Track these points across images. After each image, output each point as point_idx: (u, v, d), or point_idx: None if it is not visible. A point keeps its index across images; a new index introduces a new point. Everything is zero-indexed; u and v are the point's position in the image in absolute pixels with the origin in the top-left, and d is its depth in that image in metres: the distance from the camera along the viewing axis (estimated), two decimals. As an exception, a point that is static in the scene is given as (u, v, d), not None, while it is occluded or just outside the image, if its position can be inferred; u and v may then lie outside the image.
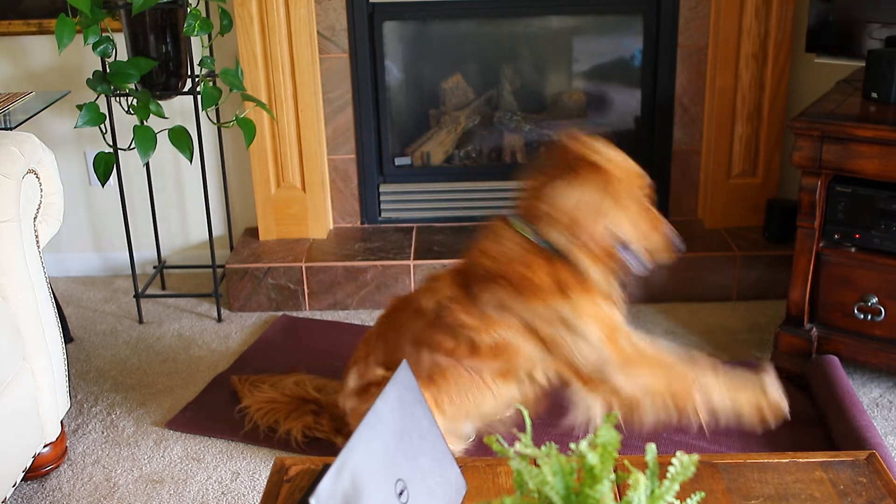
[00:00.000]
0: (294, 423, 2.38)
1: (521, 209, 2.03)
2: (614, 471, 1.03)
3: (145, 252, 3.44)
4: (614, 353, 1.97)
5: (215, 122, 3.00)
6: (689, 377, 1.99)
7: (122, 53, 2.88)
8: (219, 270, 3.17)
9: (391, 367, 2.08)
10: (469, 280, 2.03)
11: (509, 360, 2.01)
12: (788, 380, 2.61)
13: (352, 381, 2.17)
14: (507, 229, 2.01)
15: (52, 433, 2.25)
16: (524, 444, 1.05)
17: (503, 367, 2.02)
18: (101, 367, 2.84)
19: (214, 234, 3.24)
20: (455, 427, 2.11)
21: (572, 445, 1.05)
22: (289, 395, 2.46)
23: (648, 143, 3.35)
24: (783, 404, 1.99)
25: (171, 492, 2.24)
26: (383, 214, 3.44)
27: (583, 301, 1.96)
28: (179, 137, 2.81)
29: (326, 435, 2.34)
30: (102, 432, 2.50)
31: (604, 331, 1.97)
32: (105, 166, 2.86)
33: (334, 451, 2.21)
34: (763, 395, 1.98)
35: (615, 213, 1.94)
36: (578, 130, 2.03)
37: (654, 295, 3.13)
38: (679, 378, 1.99)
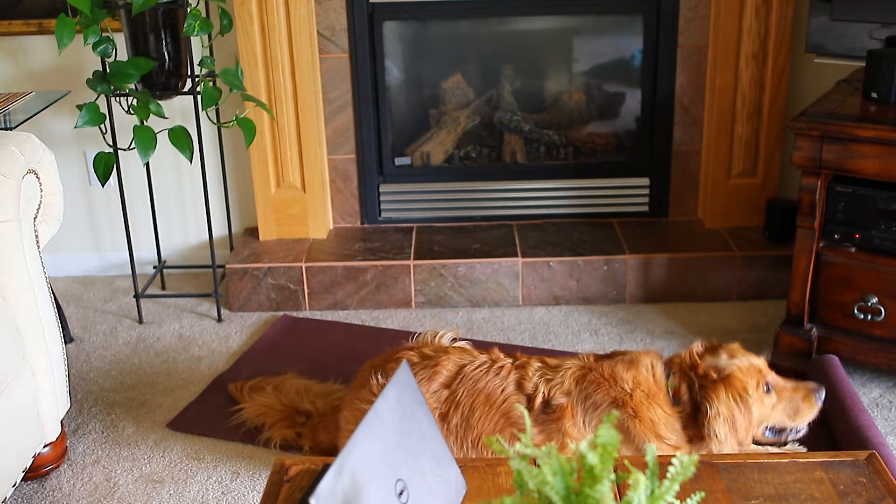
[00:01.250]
0: (276, 433, 2.38)
1: (676, 365, 2.11)
2: (614, 471, 1.03)
3: (145, 252, 3.44)
4: None
5: (215, 122, 3.00)
6: None
7: (122, 53, 2.88)
8: (219, 270, 3.17)
9: (473, 440, 2.10)
10: (596, 384, 2.06)
11: None
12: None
13: None
14: (654, 365, 2.08)
15: (52, 433, 2.24)
16: (524, 444, 1.05)
17: None
18: (101, 367, 2.84)
19: (214, 234, 3.24)
20: None
21: (572, 445, 1.05)
22: (285, 403, 2.44)
23: (648, 143, 3.35)
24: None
25: (171, 492, 2.24)
26: (383, 214, 3.44)
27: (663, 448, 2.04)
28: (179, 137, 2.81)
29: (303, 453, 2.33)
30: (102, 432, 2.50)
31: None
32: (105, 166, 2.86)
33: (334, 450, 2.21)
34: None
35: (753, 414, 2.04)
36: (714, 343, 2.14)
37: (654, 295, 3.13)
38: None
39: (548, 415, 2.04)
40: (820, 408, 2.11)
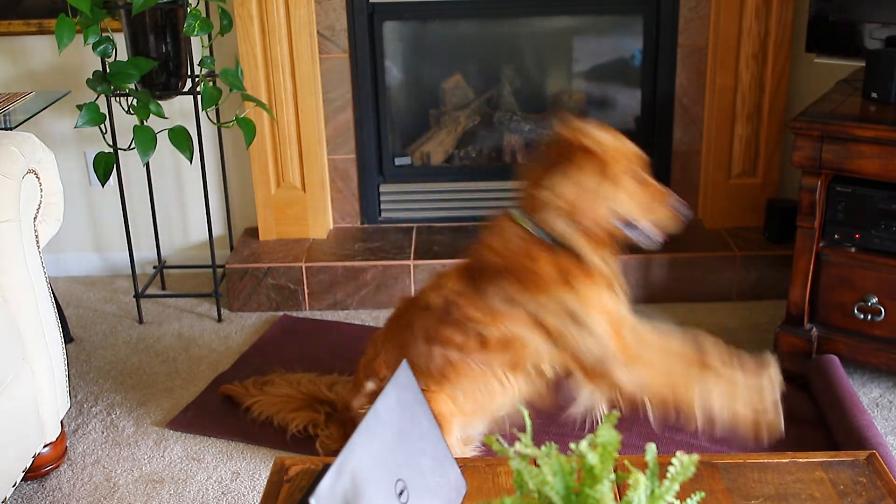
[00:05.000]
0: (299, 415, 2.39)
1: (521, 202, 2.04)
2: (614, 471, 1.03)
3: (145, 252, 3.44)
4: (619, 347, 1.98)
5: (215, 122, 3.00)
6: (692, 378, 1.99)
7: (122, 53, 2.88)
8: (219, 270, 3.17)
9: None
10: (475, 275, 2.05)
11: (517, 353, 2.03)
12: (789, 380, 2.61)
13: (369, 384, 2.17)
14: (509, 223, 2.02)
15: (52, 433, 2.25)
16: (524, 444, 1.05)
17: (512, 360, 2.04)
18: (101, 367, 2.84)
19: (214, 234, 3.24)
20: (470, 424, 2.12)
21: (572, 445, 1.05)
22: (304, 392, 2.46)
23: (648, 143, 3.34)
24: (779, 422, 2.02)
25: (171, 492, 2.24)
26: (383, 214, 3.44)
27: (588, 292, 1.97)
28: (179, 137, 2.81)
29: (328, 440, 2.33)
30: (102, 432, 2.50)
31: (609, 323, 1.98)
32: (105, 166, 2.86)
33: (334, 450, 2.21)
34: (761, 411, 2.01)
35: (613, 194, 1.95)
36: (573, 117, 2.03)
37: (654, 295, 3.13)
38: (681, 378, 1.99)
39: (452, 313, 2.04)
40: (676, 216, 2.00)
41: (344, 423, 2.34)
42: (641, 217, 2.00)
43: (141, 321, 3.12)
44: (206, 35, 2.80)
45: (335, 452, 2.25)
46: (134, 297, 3.13)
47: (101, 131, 2.89)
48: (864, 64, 2.55)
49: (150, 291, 3.31)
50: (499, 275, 1.99)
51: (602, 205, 1.94)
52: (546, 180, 1.97)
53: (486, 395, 2.07)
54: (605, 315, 1.98)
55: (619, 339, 1.99)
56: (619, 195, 1.95)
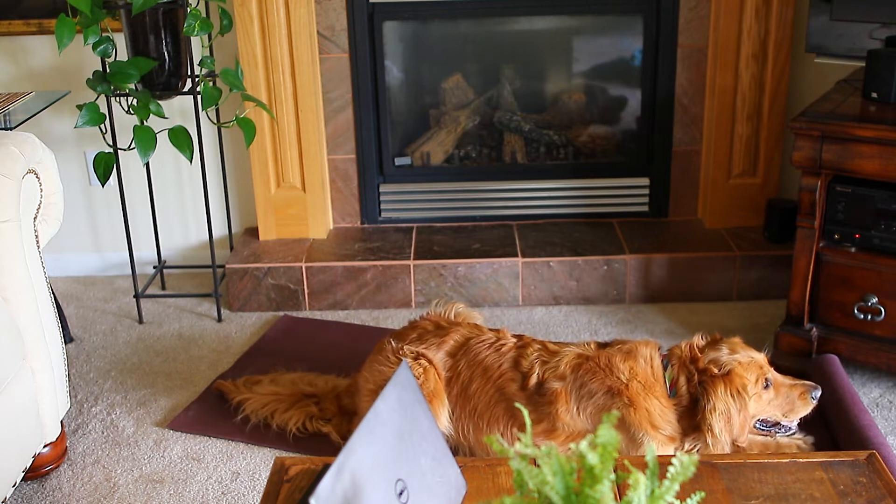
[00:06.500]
0: (294, 414, 2.41)
1: (675, 357, 2.11)
2: (614, 471, 1.03)
3: (145, 252, 3.44)
4: None
5: (215, 122, 3.00)
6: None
7: (122, 53, 2.88)
8: (219, 270, 3.17)
9: (470, 410, 2.15)
10: (593, 372, 2.08)
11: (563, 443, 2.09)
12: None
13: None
14: (652, 357, 2.09)
15: (52, 433, 2.24)
16: (524, 444, 1.05)
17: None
18: (101, 367, 2.84)
19: (214, 234, 3.24)
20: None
21: (572, 445, 1.05)
22: (292, 390, 2.49)
23: (648, 143, 3.35)
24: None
25: (171, 492, 2.24)
26: (383, 214, 3.44)
27: (663, 445, 2.06)
28: (179, 137, 2.81)
29: (329, 426, 2.37)
30: (102, 432, 2.50)
31: None
32: (105, 166, 2.86)
33: (334, 450, 2.21)
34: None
35: (749, 410, 2.05)
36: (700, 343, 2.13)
37: (654, 295, 3.13)
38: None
39: (542, 396, 2.09)
40: (814, 406, 2.11)
41: (337, 398, 2.41)
42: (780, 416, 2.11)
43: (141, 321, 3.12)
44: (206, 35, 2.80)
45: (345, 431, 2.31)
46: (134, 297, 3.13)
47: (101, 131, 2.89)
48: (864, 64, 2.55)
49: (150, 291, 3.31)
50: (614, 391, 2.05)
51: (741, 423, 2.04)
52: (693, 406, 2.05)
53: None
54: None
55: None
56: (756, 406, 2.06)
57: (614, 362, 2.07)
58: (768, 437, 2.17)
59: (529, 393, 2.09)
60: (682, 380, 2.06)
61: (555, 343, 2.20)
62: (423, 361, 2.17)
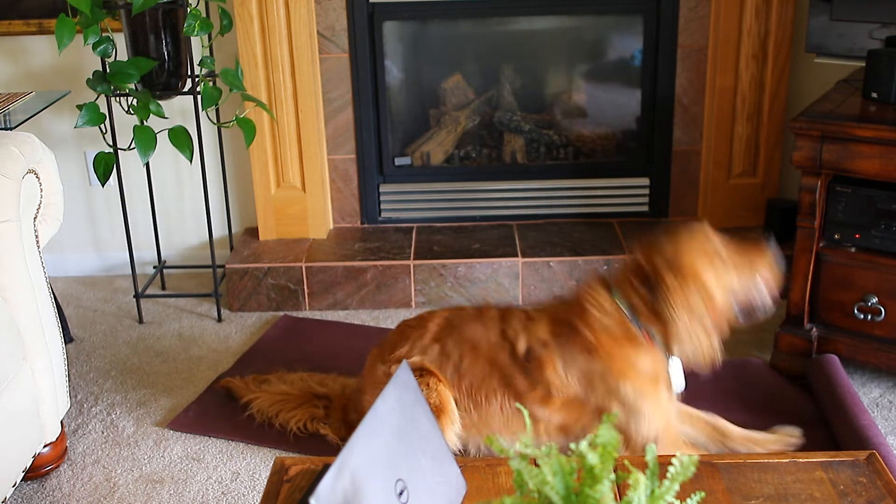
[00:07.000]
0: (297, 412, 2.41)
1: (621, 282, 2.07)
2: (614, 471, 1.03)
3: (145, 252, 3.44)
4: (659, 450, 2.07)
5: (215, 122, 3.00)
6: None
7: (122, 53, 2.88)
8: (219, 270, 3.17)
9: (466, 387, 2.15)
10: (565, 335, 2.08)
11: (570, 418, 2.09)
12: (789, 379, 2.61)
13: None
14: (609, 301, 2.05)
15: (52, 433, 2.24)
16: (524, 444, 1.05)
17: (563, 422, 2.10)
18: (101, 367, 2.84)
19: (214, 234, 3.24)
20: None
21: (572, 445, 1.05)
22: (302, 389, 2.48)
23: (648, 143, 3.35)
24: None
25: (171, 492, 2.24)
26: (383, 214, 3.44)
27: (657, 393, 2.04)
28: (179, 137, 2.81)
29: (330, 430, 2.37)
30: (102, 432, 2.50)
31: (663, 432, 2.07)
32: (105, 166, 2.86)
33: (334, 450, 2.21)
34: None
35: (718, 291, 1.97)
36: (647, 240, 2.07)
37: (654, 295, 3.12)
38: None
39: (531, 363, 2.08)
40: (774, 251, 2.02)
41: (344, 408, 2.38)
42: (752, 291, 2.02)
43: (141, 321, 3.12)
44: (206, 35, 2.80)
45: (345, 438, 2.30)
46: (134, 297, 3.13)
47: (101, 131, 2.89)
48: (864, 64, 2.55)
49: (150, 291, 3.31)
50: (589, 349, 2.04)
51: (713, 306, 1.96)
52: (654, 303, 1.99)
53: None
54: (664, 423, 2.07)
55: (662, 446, 2.06)
56: (717, 291, 1.96)
57: (578, 321, 2.05)
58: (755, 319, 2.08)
59: (520, 361, 2.09)
60: (638, 302, 2.00)
61: (535, 309, 2.18)
62: (424, 377, 2.16)
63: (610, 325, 2.03)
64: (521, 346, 2.10)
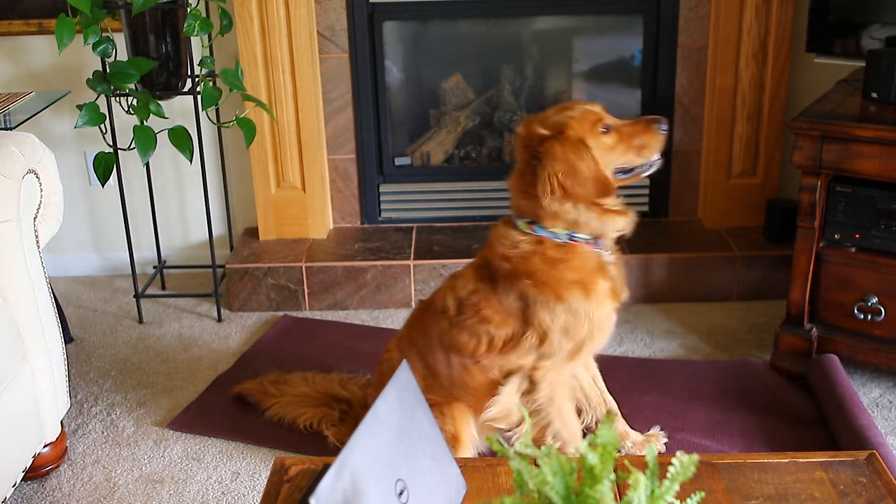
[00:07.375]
0: (310, 411, 2.39)
1: (515, 209, 2.05)
2: (614, 471, 1.03)
3: (145, 252, 3.44)
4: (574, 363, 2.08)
5: (215, 122, 3.00)
6: (577, 441, 2.06)
7: (122, 53, 2.88)
8: (219, 270, 3.17)
9: (425, 372, 2.14)
10: (490, 276, 2.05)
11: (515, 354, 2.04)
12: (789, 379, 2.61)
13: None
14: (512, 230, 2.03)
15: (52, 433, 2.24)
16: (524, 444, 1.05)
17: (509, 365, 2.05)
18: (101, 367, 2.85)
19: (214, 234, 3.24)
20: (481, 434, 2.16)
21: (572, 446, 1.05)
22: (320, 390, 2.46)
23: (648, 143, 3.34)
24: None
25: (171, 492, 2.24)
26: (383, 214, 3.44)
27: (594, 300, 2.00)
28: (179, 137, 2.81)
29: (334, 433, 2.35)
30: (102, 432, 2.50)
31: (588, 331, 2.02)
32: (105, 166, 2.86)
33: (334, 451, 2.21)
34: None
35: (598, 157, 1.96)
36: (526, 116, 2.06)
37: (654, 295, 3.13)
38: (572, 436, 2.05)
39: (465, 313, 2.05)
40: (664, 135, 2.02)
41: (357, 420, 2.35)
42: (635, 158, 2.02)
43: (141, 321, 3.12)
44: (206, 35, 2.80)
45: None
46: (134, 297, 3.13)
47: (101, 131, 2.89)
48: (864, 64, 2.55)
49: (150, 291, 3.31)
50: (514, 277, 2.00)
51: (589, 176, 1.95)
52: (531, 180, 1.99)
53: (490, 405, 2.09)
54: (589, 325, 2.02)
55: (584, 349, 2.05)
56: (602, 155, 1.97)
57: (492, 258, 2.04)
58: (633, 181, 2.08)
59: (456, 319, 2.06)
60: (534, 209, 1.98)
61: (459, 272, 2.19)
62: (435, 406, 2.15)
63: (523, 249, 1.99)
64: (452, 304, 2.07)
